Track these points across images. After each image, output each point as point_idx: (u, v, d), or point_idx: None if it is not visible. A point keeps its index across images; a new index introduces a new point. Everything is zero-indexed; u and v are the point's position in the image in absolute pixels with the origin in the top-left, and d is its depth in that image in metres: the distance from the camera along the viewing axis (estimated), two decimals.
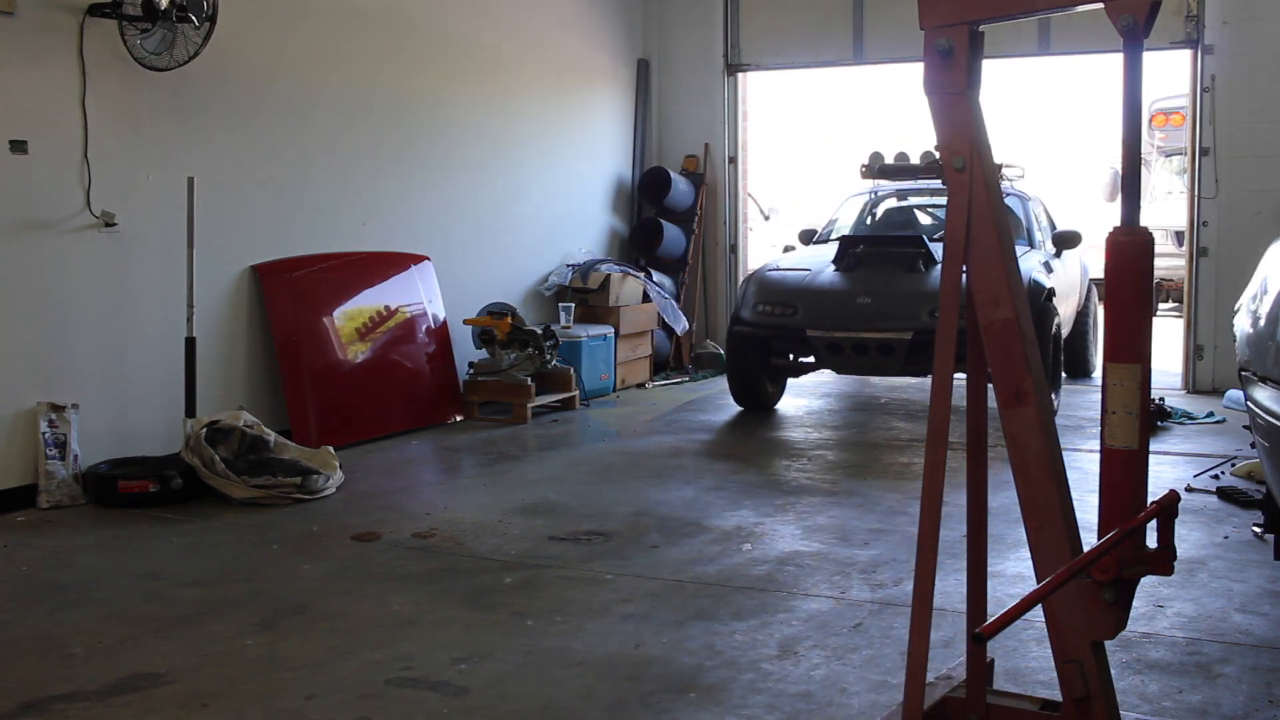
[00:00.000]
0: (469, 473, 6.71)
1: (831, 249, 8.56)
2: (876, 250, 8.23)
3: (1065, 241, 9.27)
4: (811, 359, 8.26)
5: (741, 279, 10.65)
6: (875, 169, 9.32)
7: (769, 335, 8.09)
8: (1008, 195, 9.07)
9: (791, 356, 8.34)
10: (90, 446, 5.87)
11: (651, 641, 3.89)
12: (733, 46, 10.63)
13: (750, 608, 4.24)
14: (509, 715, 3.34)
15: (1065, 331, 9.05)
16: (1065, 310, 8.93)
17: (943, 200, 8.92)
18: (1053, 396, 7.80)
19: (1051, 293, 8.12)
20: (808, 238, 9.74)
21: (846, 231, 9.37)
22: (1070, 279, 9.35)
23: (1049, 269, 8.55)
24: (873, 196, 9.95)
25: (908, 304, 7.73)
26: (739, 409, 8.61)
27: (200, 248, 6.19)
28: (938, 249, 7.78)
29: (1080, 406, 8.50)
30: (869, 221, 9.80)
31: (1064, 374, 8.90)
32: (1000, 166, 8.97)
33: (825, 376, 9.89)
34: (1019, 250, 8.42)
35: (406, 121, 8.02)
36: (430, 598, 4.38)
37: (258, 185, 6.90)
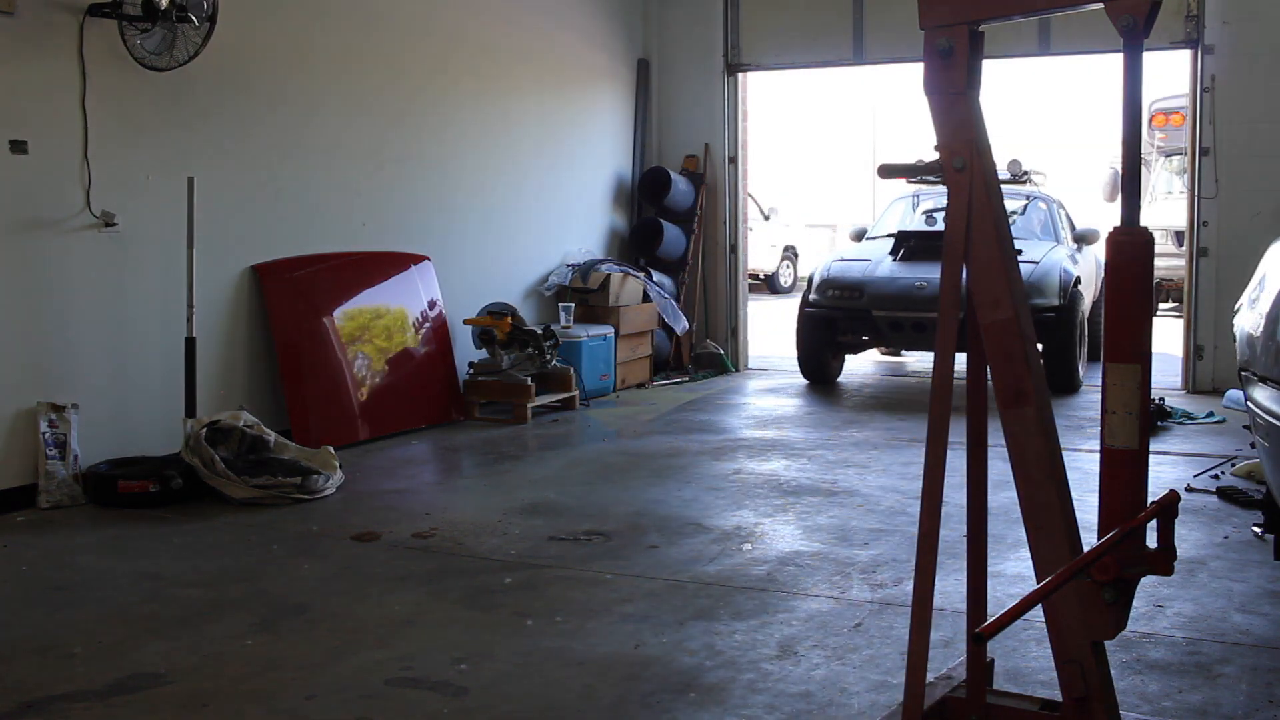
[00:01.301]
0: (469, 473, 6.71)
1: (885, 244, 9.81)
2: (928, 243, 9.38)
3: (1085, 239, 10.49)
4: (869, 338, 9.50)
5: (741, 277, 10.89)
6: (906, 169, 9.61)
7: (838, 316, 9.29)
8: (1036, 198, 10.44)
9: (852, 337, 9.47)
10: (90, 446, 5.87)
11: (651, 641, 3.89)
12: (733, 46, 10.61)
13: (750, 608, 4.24)
14: (509, 715, 3.34)
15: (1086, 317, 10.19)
16: (1087, 298, 10.05)
17: None
18: (1079, 368, 9.17)
19: (1078, 280, 9.36)
20: (858, 236, 10.89)
21: (895, 229, 10.34)
22: (1090, 272, 10.45)
23: (1074, 261, 9.72)
24: (915, 199, 10.93)
25: None
26: (738, 409, 8.73)
27: (200, 248, 6.19)
28: None
29: (1080, 406, 8.50)
30: (911, 220, 10.84)
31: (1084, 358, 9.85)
32: (1028, 173, 10.46)
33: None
34: (1048, 245, 9.48)
35: (407, 121, 8.02)
36: (430, 598, 4.38)
37: (258, 185, 6.90)
